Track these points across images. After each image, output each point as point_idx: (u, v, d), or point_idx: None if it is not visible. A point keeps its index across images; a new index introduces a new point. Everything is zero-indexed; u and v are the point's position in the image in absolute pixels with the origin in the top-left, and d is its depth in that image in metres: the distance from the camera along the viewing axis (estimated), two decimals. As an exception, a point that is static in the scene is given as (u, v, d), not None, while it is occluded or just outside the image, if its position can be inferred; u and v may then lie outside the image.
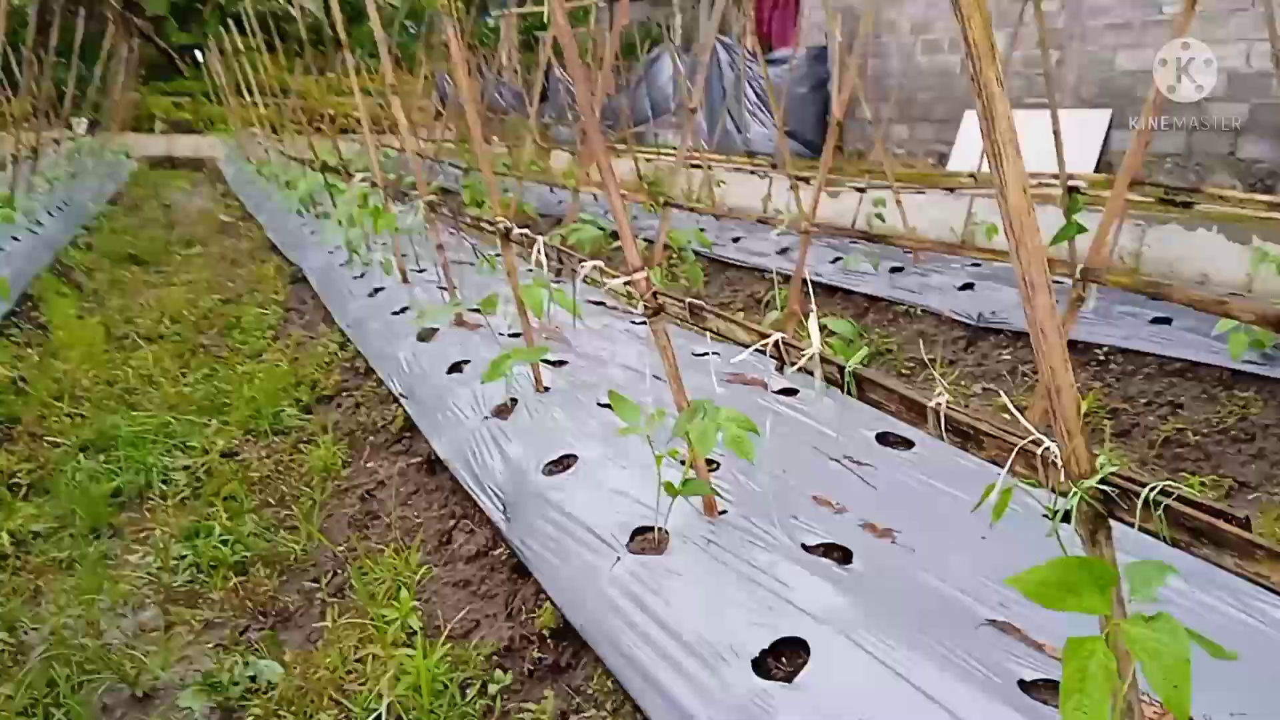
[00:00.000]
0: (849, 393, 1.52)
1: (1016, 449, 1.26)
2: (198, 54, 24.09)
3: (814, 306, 1.61)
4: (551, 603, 2.24)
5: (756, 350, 1.69)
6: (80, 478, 3.50)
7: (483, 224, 3.33)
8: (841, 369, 1.54)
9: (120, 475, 3.55)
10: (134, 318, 5.92)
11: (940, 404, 1.34)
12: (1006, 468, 1.27)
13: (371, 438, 3.80)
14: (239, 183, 13.32)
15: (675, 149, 12.17)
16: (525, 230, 3.00)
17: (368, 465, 3.58)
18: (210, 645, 2.53)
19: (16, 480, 3.47)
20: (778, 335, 1.65)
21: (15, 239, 6.48)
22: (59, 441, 3.87)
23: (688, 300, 1.99)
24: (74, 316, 5.65)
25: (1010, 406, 1.31)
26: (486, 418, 3.17)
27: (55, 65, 10.27)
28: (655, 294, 2.11)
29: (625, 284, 2.16)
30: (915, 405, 1.41)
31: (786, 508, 2.24)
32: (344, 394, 4.37)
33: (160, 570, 2.89)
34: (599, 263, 2.42)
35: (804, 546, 2.06)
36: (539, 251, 2.77)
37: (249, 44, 11.94)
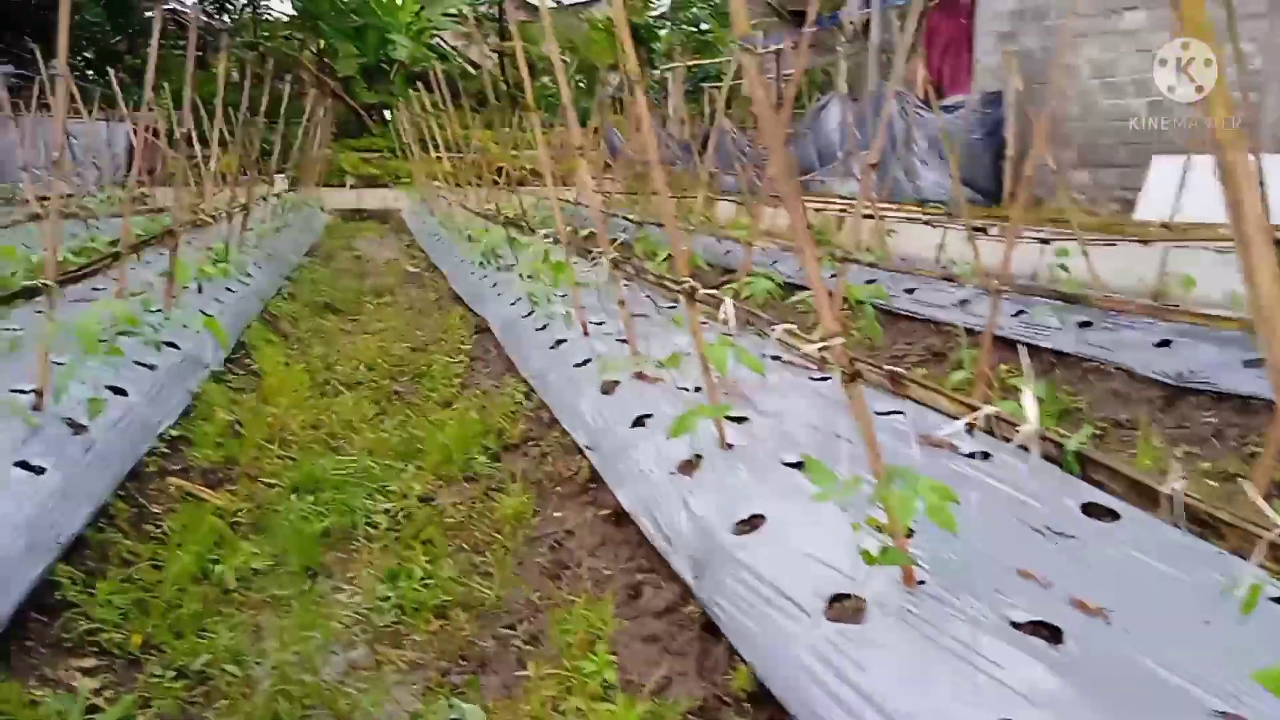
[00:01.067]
0: (1070, 471, 1.49)
1: (1265, 541, 1.21)
2: (385, 113, 25.69)
3: (1029, 377, 1.59)
4: (745, 665, 2.26)
5: (967, 422, 1.68)
6: (293, 518, 3.75)
7: (667, 283, 3.42)
8: (1061, 445, 1.51)
9: (328, 517, 3.78)
10: (334, 364, 6.32)
11: (1176, 489, 1.30)
12: (1254, 559, 1.23)
13: (559, 488, 3.93)
14: (422, 234, 14.03)
15: (843, 198, 12.12)
16: (711, 291, 3.07)
17: (556, 515, 3.70)
18: (416, 686, 2.66)
19: (238, 520, 3.74)
20: (990, 409, 1.64)
21: (230, 290, 7.05)
22: (273, 483, 4.17)
23: (887, 368, 1.99)
24: (281, 363, 6.09)
25: (1256, 496, 1.26)
26: (672, 473, 3.23)
27: (261, 126, 11.17)
28: (852, 360, 2.12)
29: (821, 349, 2.18)
30: (1146, 489, 1.38)
31: (988, 580, 2.19)
32: (530, 443, 4.54)
33: (368, 610, 3.07)
34: (791, 325, 2.45)
35: (1011, 623, 2.01)
36: (727, 312, 2.82)
37: (435, 102, 12.67)
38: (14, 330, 4.59)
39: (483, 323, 7.30)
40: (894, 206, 10.23)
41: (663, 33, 31.02)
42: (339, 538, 3.67)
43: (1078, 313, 5.84)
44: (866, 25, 14.83)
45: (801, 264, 2.07)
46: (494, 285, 7.76)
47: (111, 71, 12.05)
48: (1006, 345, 5.82)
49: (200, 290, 6.47)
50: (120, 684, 2.59)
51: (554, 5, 29.38)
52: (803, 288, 7.84)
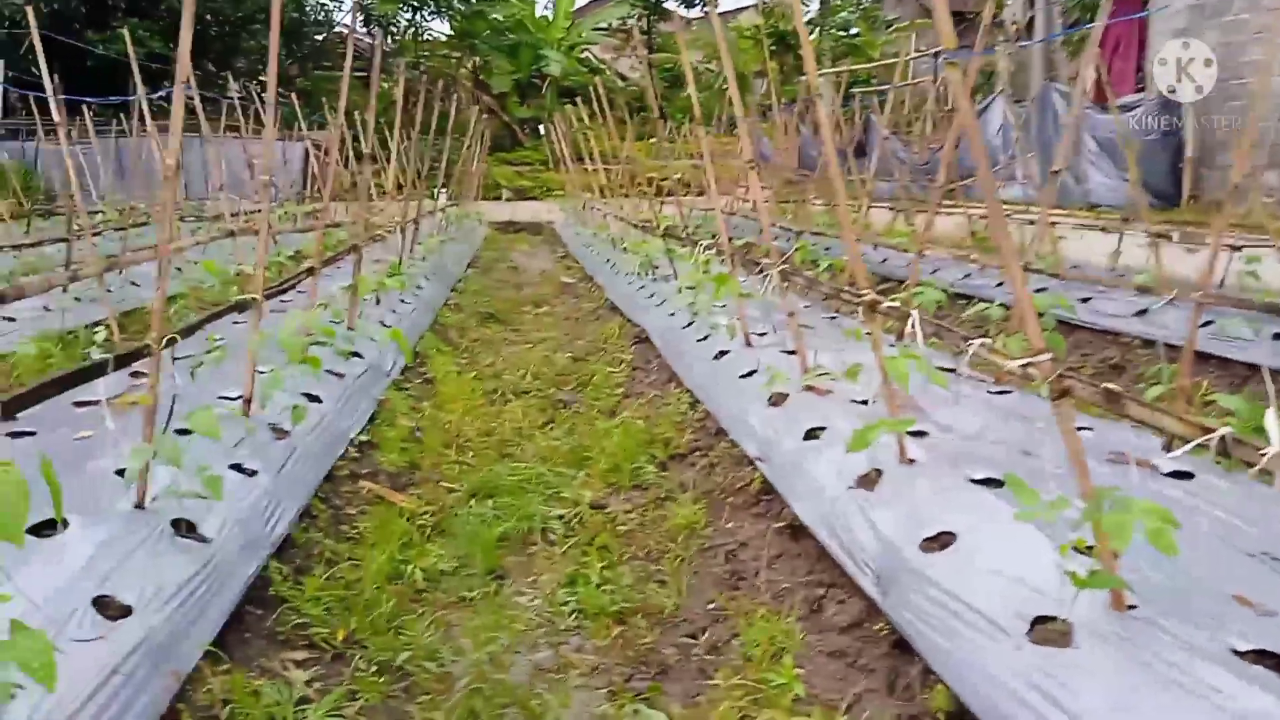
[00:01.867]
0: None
1: None
2: (539, 127, 26.39)
3: (1272, 398, 1.52)
4: (944, 685, 2.22)
5: (1198, 444, 1.61)
6: (473, 522, 3.89)
7: (845, 294, 3.39)
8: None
9: (505, 521, 3.90)
10: (501, 373, 6.53)
11: None
12: None
13: (730, 499, 3.94)
14: (576, 245, 14.32)
15: (1005, 203, 11.72)
16: (895, 303, 3.03)
17: (728, 525, 3.71)
18: (600, 690, 2.72)
19: (423, 523, 3.91)
20: (1224, 430, 1.57)
21: (404, 301, 7.38)
22: (452, 487, 4.33)
23: (1102, 385, 1.93)
24: (453, 372, 6.33)
25: None
26: (850, 487, 3.21)
27: (424, 143, 11.66)
28: (1060, 376, 2.06)
29: (1024, 365, 2.13)
30: None
31: (1203, 606, 2.09)
32: (697, 453, 4.57)
33: (550, 614, 3.16)
34: (987, 340, 2.40)
35: (1233, 651, 1.91)
36: (914, 326, 2.78)
37: (592, 113, 12.95)
38: (217, 340, 4.93)
39: (641, 333, 7.39)
40: (1063, 211, 9.84)
41: (811, 37, 30.75)
42: (517, 542, 3.79)
43: (1273, 324, 5.48)
44: (1030, 24, 14.33)
45: (1008, 279, 2.03)
46: (651, 295, 7.86)
47: (294, 95, 12.79)
48: (1195, 358, 5.52)
49: (378, 302, 6.79)
50: (328, 676, 2.74)
51: (701, 15, 29.57)
52: (966, 297, 7.63)
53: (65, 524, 2.62)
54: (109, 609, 2.35)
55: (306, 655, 2.85)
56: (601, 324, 8.33)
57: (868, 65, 23.92)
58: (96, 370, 2.59)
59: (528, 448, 4.89)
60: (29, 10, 5.64)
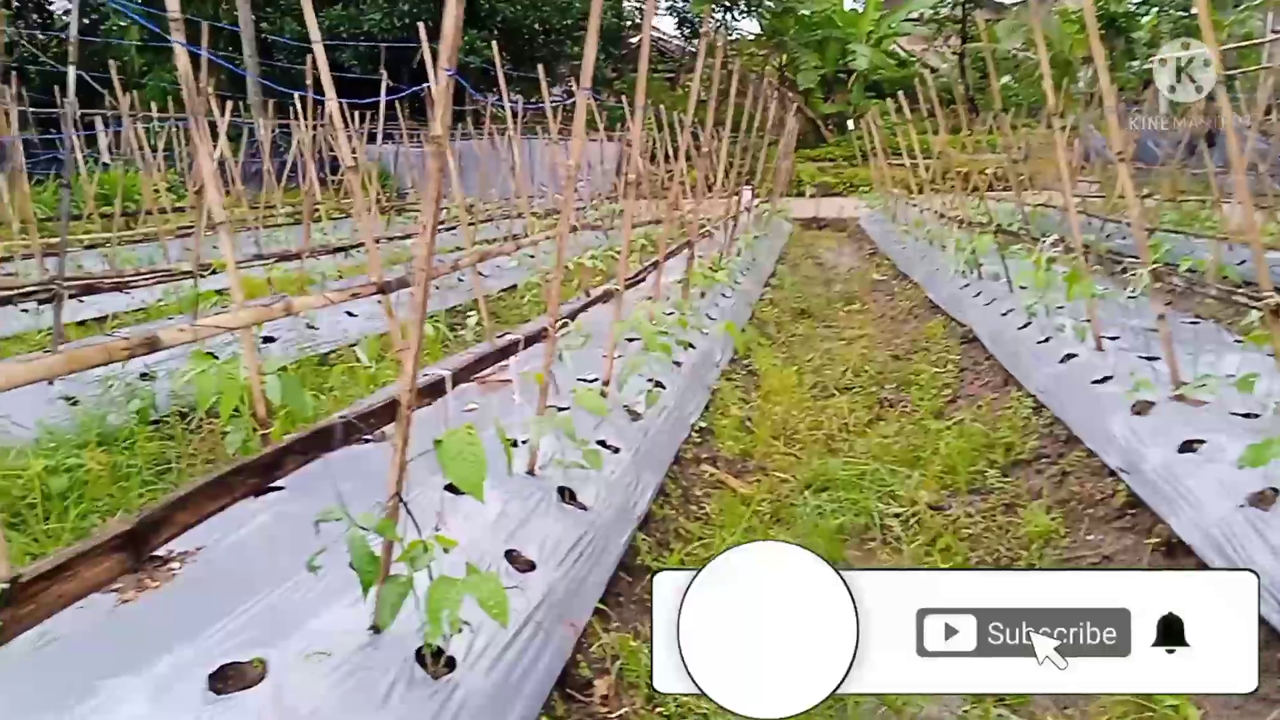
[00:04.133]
0: None
1: None
2: (849, 123, 26.11)
3: None
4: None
5: None
6: (808, 512, 3.95)
7: (1235, 295, 3.12)
8: None
9: (841, 515, 3.92)
10: (820, 368, 6.54)
11: None
12: None
13: (1089, 509, 3.74)
14: (886, 242, 14.03)
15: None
16: (1307, 307, 2.75)
17: (1088, 537, 3.53)
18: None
19: (760, 509, 4.01)
20: None
21: (725, 296, 7.58)
22: (784, 477, 4.41)
23: None
24: (774, 365, 6.43)
25: None
26: (1241, 505, 2.95)
27: (735, 141, 11.86)
28: None
29: None
30: None
31: None
32: (1043, 460, 4.37)
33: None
34: None
35: None
36: (1339, 333, 2.51)
37: (899, 109, 12.64)
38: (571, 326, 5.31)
39: (968, 332, 7.13)
40: None
41: (1144, 20, 28.24)
42: (855, 536, 3.80)
43: None
44: None
45: None
46: (978, 294, 7.57)
47: (613, 97, 13.42)
48: None
49: (702, 295, 7.02)
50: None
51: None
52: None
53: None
54: (517, 562, 2.61)
55: (672, 626, 3.01)
56: (920, 323, 8.12)
57: (1219, 48, 21.65)
58: (510, 349, 2.88)
59: (856, 444, 4.87)
60: (420, 28, 6.34)
